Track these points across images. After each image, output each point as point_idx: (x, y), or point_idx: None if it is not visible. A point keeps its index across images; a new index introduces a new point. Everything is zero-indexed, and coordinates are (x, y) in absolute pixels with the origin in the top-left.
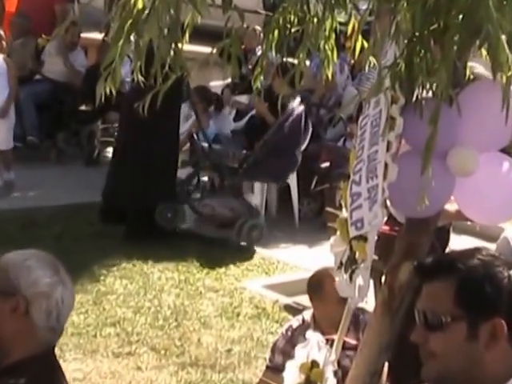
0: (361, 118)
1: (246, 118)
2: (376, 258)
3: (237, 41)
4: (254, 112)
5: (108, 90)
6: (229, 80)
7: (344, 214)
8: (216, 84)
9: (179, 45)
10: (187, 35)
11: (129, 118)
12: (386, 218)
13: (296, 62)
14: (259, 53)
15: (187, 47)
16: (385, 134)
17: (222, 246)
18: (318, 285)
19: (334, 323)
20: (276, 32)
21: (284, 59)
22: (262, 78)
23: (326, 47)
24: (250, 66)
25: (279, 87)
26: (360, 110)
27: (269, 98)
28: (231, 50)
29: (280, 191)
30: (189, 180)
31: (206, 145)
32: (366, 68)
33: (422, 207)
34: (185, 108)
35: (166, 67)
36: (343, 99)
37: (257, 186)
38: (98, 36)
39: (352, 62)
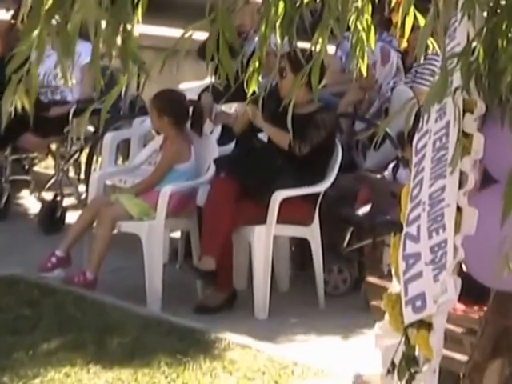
0: (417, 136)
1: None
2: (448, 353)
3: (228, 19)
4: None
5: (20, 104)
6: (208, 80)
7: (395, 286)
8: (189, 86)
9: (129, 26)
10: (140, 11)
11: None
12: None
13: (314, 49)
14: (256, 38)
15: (144, 29)
16: (455, 161)
17: (203, 341)
18: None
19: None
20: (281, 4)
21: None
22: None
23: (359, 25)
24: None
25: (289, 89)
26: (417, 121)
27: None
28: (221, 33)
29: (295, 251)
30: None
31: None
32: (422, 57)
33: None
34: (140, 126)
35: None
36: (391, 105)
37: (257, 243)
38: (2, 16)
39: (402, 46)
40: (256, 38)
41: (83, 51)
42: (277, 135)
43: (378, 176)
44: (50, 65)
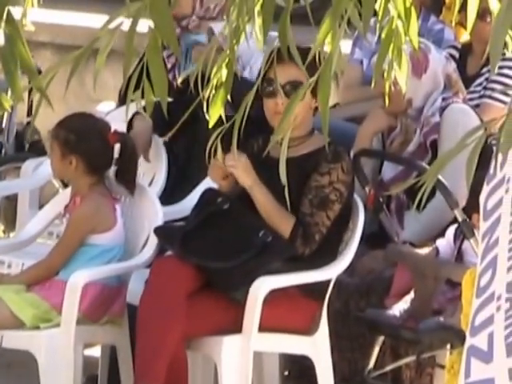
0: (486, 189)
1: (194, 192)
2: None
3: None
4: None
5: None
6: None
7: None
8: (114, 108)
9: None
10: None
11: None
12: None
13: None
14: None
15: (43, 17)
16: None
17: None
18: None
19: None
20: None
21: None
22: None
23: (391, 9)
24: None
25: (274, 115)
26: (485, 162)
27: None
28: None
29: (289, 376)
30: None
31: None
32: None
33: None
34: (33, 174)
35: None
36: (441, 137)
37: (228, 364)
38: None
39: (461, 39)
40: (201, 32)
41: None
42: (274, 215)
43: (424, 252)
44: None
